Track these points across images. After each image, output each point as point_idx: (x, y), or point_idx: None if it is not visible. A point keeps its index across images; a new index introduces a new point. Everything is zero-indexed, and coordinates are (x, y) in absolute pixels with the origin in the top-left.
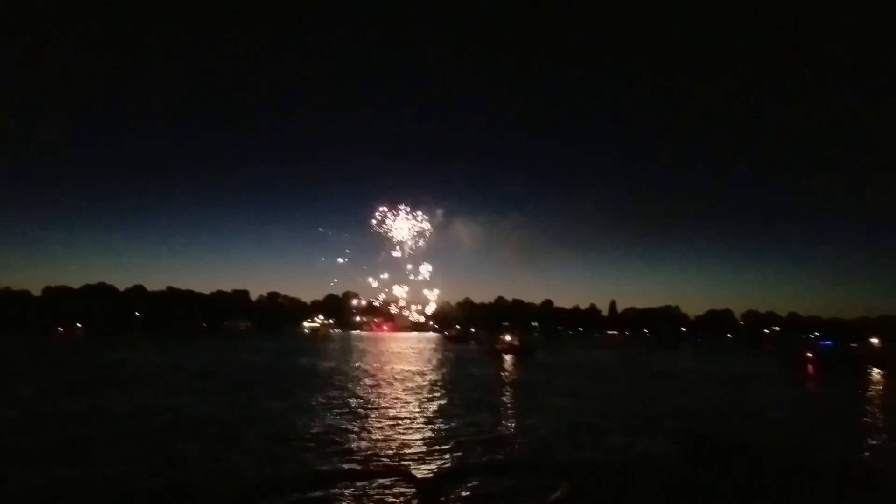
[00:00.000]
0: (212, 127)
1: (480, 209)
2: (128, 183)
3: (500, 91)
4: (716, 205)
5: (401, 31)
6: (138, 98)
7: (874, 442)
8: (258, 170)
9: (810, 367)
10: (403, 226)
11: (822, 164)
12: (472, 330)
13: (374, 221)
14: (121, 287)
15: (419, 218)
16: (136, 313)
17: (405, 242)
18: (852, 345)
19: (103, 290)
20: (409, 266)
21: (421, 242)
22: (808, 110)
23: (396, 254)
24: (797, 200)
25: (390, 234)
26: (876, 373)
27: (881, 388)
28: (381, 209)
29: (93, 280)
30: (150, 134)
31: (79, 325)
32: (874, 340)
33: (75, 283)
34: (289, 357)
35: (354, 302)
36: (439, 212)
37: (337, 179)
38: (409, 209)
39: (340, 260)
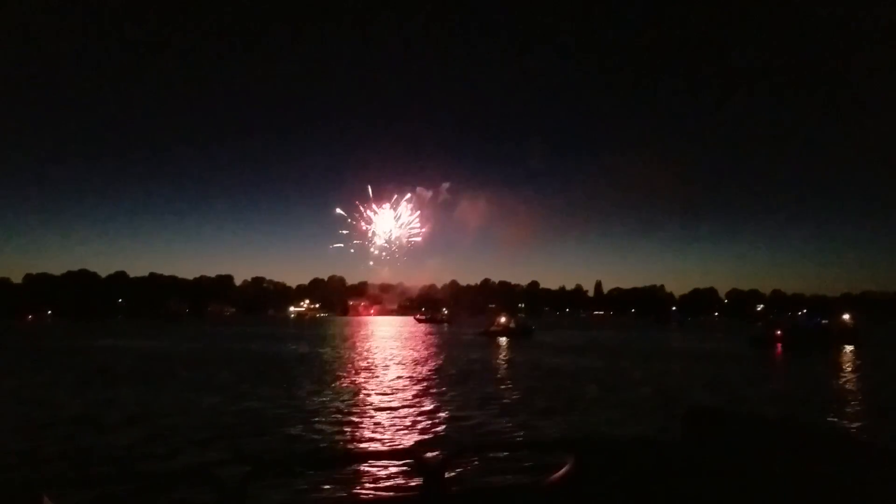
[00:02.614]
0: (195, 113)
1: (466, 192)
2: (109, 169)
3: (487, 72)
4: (699, 186)
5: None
6: (120, 86)
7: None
8: (242, 153)
9: (778, 345)
10: (387, 217)
11: (803, 146)
12: (445, 311)
13: (357, 215)
14: (103, 273)
15: (403, 206)
16: (119, 300)
17: (390, 232)
18: (823, 321)
19: (85, 276)
20: (395, 250)
21: (405, 231)
22: (789, 96)
23: (381, 240)
24: (779, 181)
25: (373, 228)
26: (847, 349)
27: (846, 364)
28: (364, 205)
29: (74, 267)
30: (132, 121)
31: (49, 311)
32: (846, 317)
33: (57, 269)
34: (274, 342)
35: (340, 286)
36: (426, 194)
37: (325, 160)
38: (393, 203)
39: (327, 244)
